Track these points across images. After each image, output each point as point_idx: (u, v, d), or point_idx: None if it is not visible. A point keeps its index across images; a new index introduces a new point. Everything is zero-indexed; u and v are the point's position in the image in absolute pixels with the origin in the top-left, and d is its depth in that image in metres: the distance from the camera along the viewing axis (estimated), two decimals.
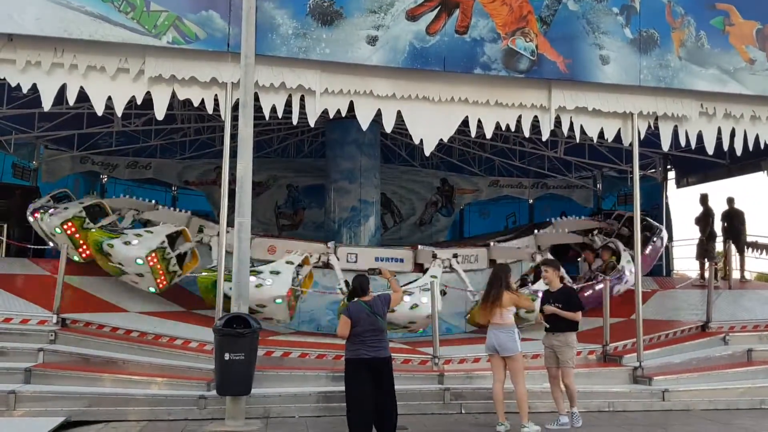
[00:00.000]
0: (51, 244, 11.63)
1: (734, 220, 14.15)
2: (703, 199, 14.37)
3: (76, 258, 10.98)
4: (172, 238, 10.80)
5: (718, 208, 14.35)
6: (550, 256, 11.23)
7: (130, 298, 10.77)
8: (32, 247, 12.38)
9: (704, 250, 14.17)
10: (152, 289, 10.66)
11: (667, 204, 16.73)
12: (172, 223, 11.36)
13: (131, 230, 10.77)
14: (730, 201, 14.38)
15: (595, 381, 8.94)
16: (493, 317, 7.18)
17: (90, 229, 10.65)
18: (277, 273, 9.78)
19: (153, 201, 12.54)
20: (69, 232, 10.79)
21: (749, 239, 14.70)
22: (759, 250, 14.54)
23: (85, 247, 10.85)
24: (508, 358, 7.15)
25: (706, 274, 13.69)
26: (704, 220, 14.20)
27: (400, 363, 8.59)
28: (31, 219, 11.53)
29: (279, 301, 9.53)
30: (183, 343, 8.94)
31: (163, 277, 10.46)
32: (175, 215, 12.01)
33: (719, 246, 14.76)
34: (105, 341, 8.84)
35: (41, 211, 11.19)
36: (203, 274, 10.03)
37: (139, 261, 9.97)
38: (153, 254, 10.07)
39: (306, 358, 8.85)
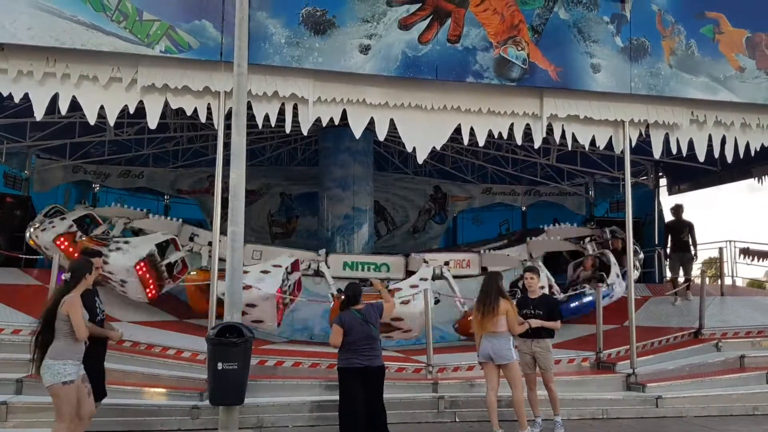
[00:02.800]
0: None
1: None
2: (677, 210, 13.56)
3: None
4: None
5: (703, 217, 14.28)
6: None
7: (122, 307, 10.72)
8: (24, 256, 12.33)
9: (680, 263, 13.13)
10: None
11: (660, 211, 16.79)
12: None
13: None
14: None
15: (588, 388, 8.95)
16: (489, 326, 7.17)
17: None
18: None
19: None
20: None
21: (742, 245, 14.74)
22: (752, 257, 14.58)
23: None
24: (504, 366, 7.12)
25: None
26: (678, 229, 13.27)
27: (394, 371, 8.58)
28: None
29: None
30: (176, 353, 8.91)
31: None
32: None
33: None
34: None
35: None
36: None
37: None
38: None
39: (299, 367, 8.83)
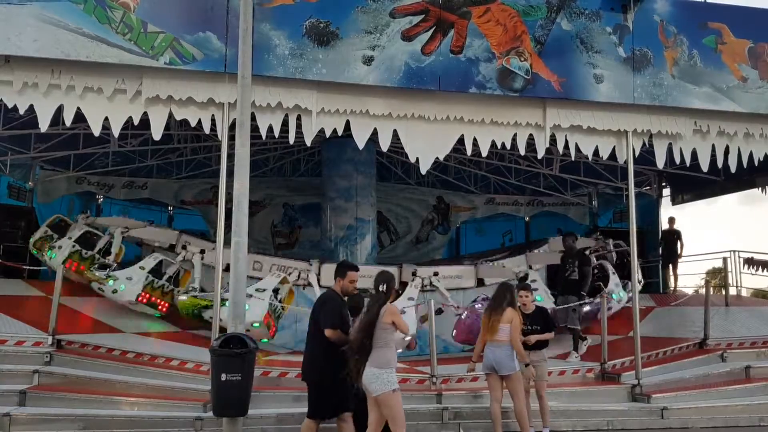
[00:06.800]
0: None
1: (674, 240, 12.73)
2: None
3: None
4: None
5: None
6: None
7: (125, 318, 10.73)
8: (27, 267, 12.35)
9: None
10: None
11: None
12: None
13: None
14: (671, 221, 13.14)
15: (593, 399, 8.89)
16: (492, 334, 7.19)
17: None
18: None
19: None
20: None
21: (746, 255, 14.68)
22: (756, 267, 14.53)
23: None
24: (507, 377, 7.12)
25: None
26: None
27: (398, 382, 8.52)
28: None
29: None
30: (179, 364, 8.88)
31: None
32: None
33: None
34: (101, 362, 8.77)
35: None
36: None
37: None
38: None
39: None
